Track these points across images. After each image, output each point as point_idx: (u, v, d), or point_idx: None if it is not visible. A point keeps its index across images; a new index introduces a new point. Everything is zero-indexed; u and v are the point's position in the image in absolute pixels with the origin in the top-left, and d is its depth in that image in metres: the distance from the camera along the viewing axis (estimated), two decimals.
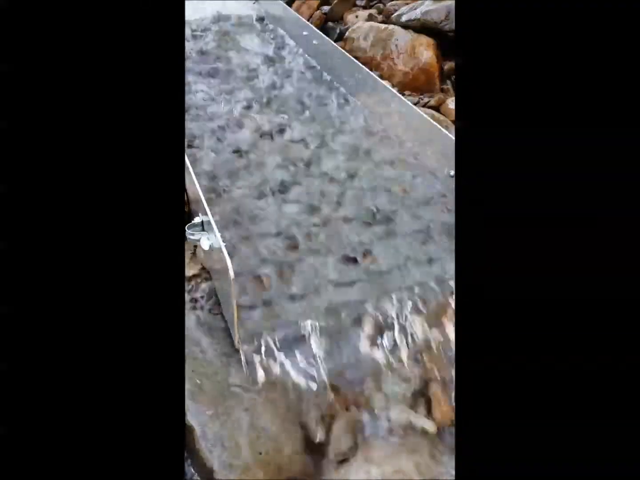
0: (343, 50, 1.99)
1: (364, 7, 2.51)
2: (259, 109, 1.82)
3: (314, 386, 1.03)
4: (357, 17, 2.41)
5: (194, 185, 1.23)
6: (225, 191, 1.45)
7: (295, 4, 2.53)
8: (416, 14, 2.11)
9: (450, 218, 1.35)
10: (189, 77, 1.96)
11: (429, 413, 1.06)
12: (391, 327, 1.10)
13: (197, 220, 1.13)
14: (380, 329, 1.10)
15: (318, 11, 2.50)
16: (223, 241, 1.04)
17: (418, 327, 1.11)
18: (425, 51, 2.04)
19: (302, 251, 1.27)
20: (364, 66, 1.83)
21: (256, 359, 1.05)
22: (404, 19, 2.15)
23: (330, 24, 2.48)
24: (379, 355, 1.08)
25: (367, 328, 1.10)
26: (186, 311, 1.19)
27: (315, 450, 1.01)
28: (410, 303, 1.13)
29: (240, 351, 1.08)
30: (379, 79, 1.78)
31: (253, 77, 2.01)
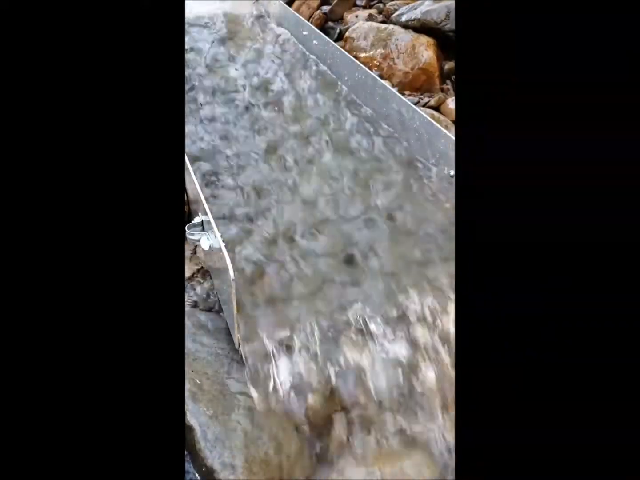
0: (343, 50, 1.99)
1: (364, 7, 2.50)
2: None
3: (313, 385, 1.03)
4: (357, 17, 2.41)
5: (194, 185, 1.23)
6: None
7: (295, 4, 2.53)
8: (416, 14, 2.11)
9: (449, 218, 1.35)
10: None
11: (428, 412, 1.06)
12: (391, 326, 1.10)
13: (197, 220, 1.13)
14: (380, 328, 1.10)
15: (318, 11, 2.50)
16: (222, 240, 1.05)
17: (418, 327, 1.11)
18: (425, 51, 2.04)
19: None
20: (363, 66, 1.83)
21: (256, 359, 1.05)
22: (404, 19, 2.15)
23: (330, 24, 2.48)
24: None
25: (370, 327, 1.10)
26: (186, 311, 1.19)
27: (315, 450, 1.01)
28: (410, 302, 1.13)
29: (240, 351, 1.08)
30: (379, 79, 1.78)
31: None
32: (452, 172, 1.45)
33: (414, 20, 2.11)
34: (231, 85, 1.94)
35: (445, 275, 1.18)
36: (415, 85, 2.03)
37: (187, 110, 1.75)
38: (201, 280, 1.29)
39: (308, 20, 2.34)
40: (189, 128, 1.66)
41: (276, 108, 1.80)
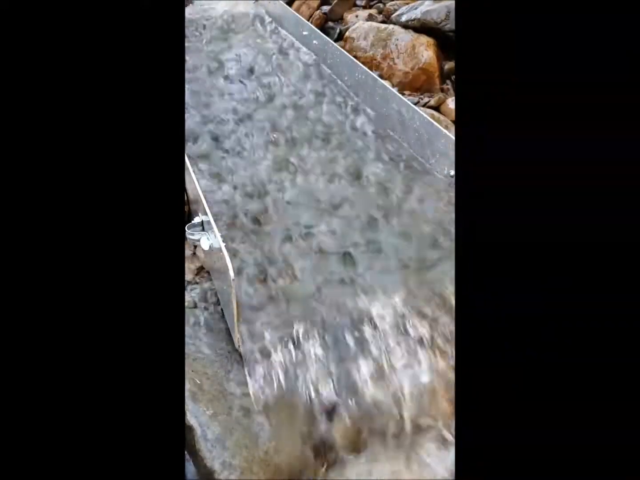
0: (343, 50, 1.99)
1: (364, 7, 2.50)
2: None
3: (313, 385, 1.03)
4: (357, 17, 2.41)
5: (194, 185, 1.23)
6: None
7: (295, 4, 2.53)
8: (416, 14, 2.11)
9: (449, 218, 1.35)
10: None
11: (428, 411, 1.06)
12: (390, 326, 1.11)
13: (197, 220, 1.13)
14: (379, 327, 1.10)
15: (318, 11, 2.50)
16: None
17: (417, 325, 1.11)
18: (425, 51, 2.04)
19: None
20: (363, 66, 1.83)
21: (256, 359, 1.05)
22: (404, 19, 2.15)
23: (330, 23, 2.48)
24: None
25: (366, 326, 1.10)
26: (186, 311, 1.19)
27: (315, 450, 1.01)
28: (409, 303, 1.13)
29: (240, 351, 1.08)
30: (379, 79, 1.78)
31: None
32: (452, 172, 1.45)
33: (414, 20, 2.11)
34: None
35: None
36: (415, 85, 2.03)
37: None
38: (201, 280, 1.29)
39: (308, 20, 2.34)
40: None
41: None
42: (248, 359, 1.06)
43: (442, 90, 2.02)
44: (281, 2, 2.41)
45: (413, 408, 1.03)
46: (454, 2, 1.95)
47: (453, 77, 2.05)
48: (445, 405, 1.05)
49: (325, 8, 2.51)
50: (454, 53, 2.03)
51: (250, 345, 1.06)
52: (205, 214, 1.12)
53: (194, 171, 1.29)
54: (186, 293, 1.24)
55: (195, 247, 1.33)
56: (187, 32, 2.28)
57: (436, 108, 1.93)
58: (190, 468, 0.99)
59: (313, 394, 1.02)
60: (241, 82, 1.96)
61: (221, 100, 1.85)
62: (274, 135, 1.65)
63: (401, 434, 1.03)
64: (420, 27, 2.09)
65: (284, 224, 1.35)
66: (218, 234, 1.07)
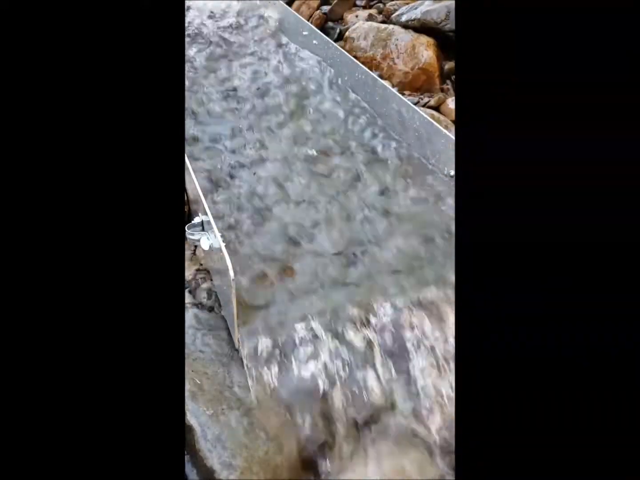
0: (343, 50, 1.99)
1: (364, 7, 2.50)
2: None
3: (314, 386, 1.03)
4: (357, 17, 2.41)
5: (194, 185, 1.23)
6: None
7: (295, 4, 2.53)
8: (416, 14, 2.11)
9: (449, 218, 1.35)
10: None
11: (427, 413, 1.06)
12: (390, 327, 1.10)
13: (197, 220, 1.13)
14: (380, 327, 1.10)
15: (318, 11, 2.50)
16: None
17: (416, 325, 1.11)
18: (425, 51, 2.04)
19: None
20: (363, 66, 1.83)
21: (256, 358, 1.05)
22: (404, 19, 2.15)
23: (330, 24, 2.48)
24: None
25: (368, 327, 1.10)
26: (186, 311, 1.19)
27: (315, 450, 1.01)
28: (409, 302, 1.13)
29: (240, 351, 1.08)
30: (379, 79, 1.78)
31: None
32: (452, 172, 1.45)
33: (414, 20, 2.11)
34: None
35: None
36: (415, 85, 2.03)
37: None
38: (201, 280, 1.29)
39: (308, 20, 2.34)
40: None
41: None
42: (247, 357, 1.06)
43: (442, 90, 2.02)
44: (281, 2, 2.41)
45: None
46: (454, 2, 1.95)
47: (453, 77, 2.05)
48: None
49: (325, 8, 2.52)
50: (454, 53, 2.04)
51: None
52: (205, 214, 1.12)
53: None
54: (186, 293, 1.24)
55: (195, 247, 1.33)
56: None
57: (436, 108, 1.93)
58: (190, 468, 0.99)
59: None
60: None
61: None
62: None
63: None
64: (420, 27, 2.09)
65: None
66: (218, 234, 1.07)
